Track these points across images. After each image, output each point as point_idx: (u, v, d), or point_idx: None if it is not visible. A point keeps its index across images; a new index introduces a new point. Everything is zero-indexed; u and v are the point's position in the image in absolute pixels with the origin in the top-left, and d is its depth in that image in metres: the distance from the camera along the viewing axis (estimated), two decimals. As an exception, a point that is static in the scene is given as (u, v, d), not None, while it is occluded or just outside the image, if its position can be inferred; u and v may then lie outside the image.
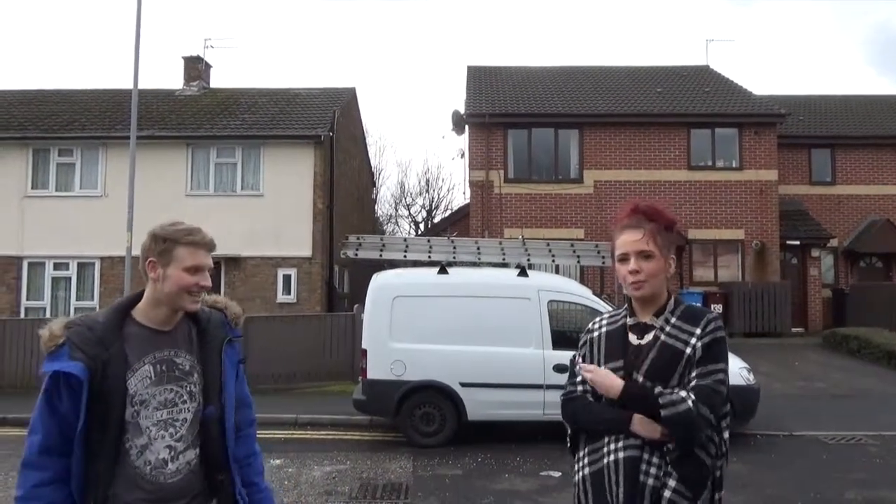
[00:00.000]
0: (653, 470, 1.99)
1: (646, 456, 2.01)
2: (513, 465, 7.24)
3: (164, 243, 2.10)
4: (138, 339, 2.09)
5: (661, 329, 2.10)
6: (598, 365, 2.15)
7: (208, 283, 2.15)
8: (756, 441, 8.18)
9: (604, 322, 2.26)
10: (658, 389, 2.03)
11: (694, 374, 2.02)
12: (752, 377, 8.27)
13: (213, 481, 2.16)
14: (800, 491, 6.28)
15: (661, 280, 2.14)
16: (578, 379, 2.20)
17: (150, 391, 2.07)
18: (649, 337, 2.11)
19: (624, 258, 2.14)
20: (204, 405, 2.16)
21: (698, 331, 2.05)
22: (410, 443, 8.10)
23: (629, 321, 2.18)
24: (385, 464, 7.38)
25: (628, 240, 2.14)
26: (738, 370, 8.16)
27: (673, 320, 2.10)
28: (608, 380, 2.09)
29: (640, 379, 2.05)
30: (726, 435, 2.11)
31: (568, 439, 2.23)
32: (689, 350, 2.04)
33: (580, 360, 2.24)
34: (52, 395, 1.97)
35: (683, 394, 1.99)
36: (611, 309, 8.62)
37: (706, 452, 2.02)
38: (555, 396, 9.34)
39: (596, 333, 2.23)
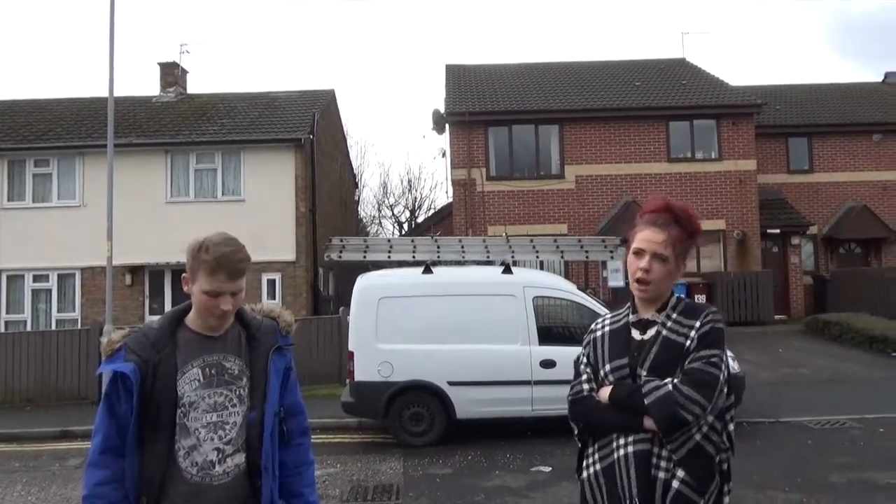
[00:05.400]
0: (663, 463, 2.01)
1: (656, 449, 2.02)
2: (503, 462, 7.25)
3: (192, 261, 2.11)
4: (189, 344, 2.16)
5: (663, 324, 2.12)
6: (603, 363, 2.17)
7: (228, 307, 2.10)
8: (742, 428, 8.25)
9: (607, 322, 2.28)
10: (643, 380, 2.06)
11: (687, 360, 2.04)
12: (736, 365, 8.35)
13: (254, 487, 2.20)
14: (786, 476, 6.36)
15: (668, 284, 2.16)
16: (584, 378, 2.21)
17: (199, 393, 2.12)
18: (651, 332, 2.13)
19: (639, 253, 2.14)
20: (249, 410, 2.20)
21: (697, 324, 2.09)
22: (400, 443, 8.10)
23: (632, 318, 2.20)
24: (375, 465, 7.37)
25: (649, 238, 2.14)
26: (722, 359, 8.24)
27: (674, 315, 2.13)
28: (601, 394, 2.14)
29: (644, 373, 2.07)
30: (731, 427, 2.11)
31: (577, 439, 2.23)
32: (688, 342, 2.07)
33: (584, 359, 2.25)
34: (111, 397, 2.10)
35: (667, 380, 2.02)
36: (596, 303, 8.65)
37: (712, 445, 2.02)
38: (542, 392, 9.33)
39: (599, 333, 2.25)
